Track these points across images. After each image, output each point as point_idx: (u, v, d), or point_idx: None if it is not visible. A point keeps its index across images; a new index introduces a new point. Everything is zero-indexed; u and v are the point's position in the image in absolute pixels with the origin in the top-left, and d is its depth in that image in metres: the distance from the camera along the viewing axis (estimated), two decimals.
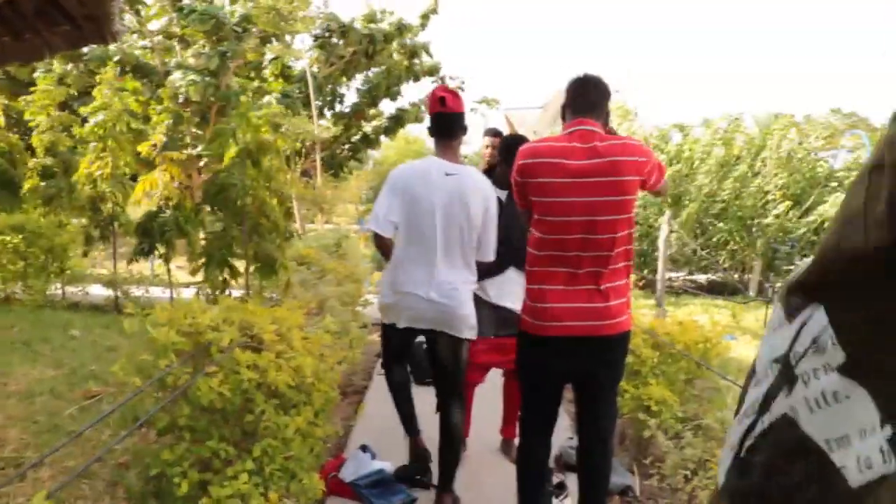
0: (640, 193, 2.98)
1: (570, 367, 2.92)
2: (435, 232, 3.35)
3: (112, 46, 9.22)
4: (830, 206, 12.38)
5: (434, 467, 3.89)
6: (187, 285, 7.10)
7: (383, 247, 3.51)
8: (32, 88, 9.11)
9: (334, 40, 12.99)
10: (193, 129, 9.18)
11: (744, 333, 9.48)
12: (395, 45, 13.47)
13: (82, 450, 3.95)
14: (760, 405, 0.94)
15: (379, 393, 4.41)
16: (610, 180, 2.70)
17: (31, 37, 2.87)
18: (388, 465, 3.93)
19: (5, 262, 8.26)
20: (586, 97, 2.87)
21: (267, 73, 12.58)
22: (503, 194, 4.03)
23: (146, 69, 9.63)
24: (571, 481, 3.68)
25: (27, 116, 9.16)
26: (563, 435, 4.36)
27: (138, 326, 3.06)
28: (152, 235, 7.79)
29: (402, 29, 13.38)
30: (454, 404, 3.60)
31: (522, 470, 3.15)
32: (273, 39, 11.23)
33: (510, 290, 4.00)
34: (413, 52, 13.96)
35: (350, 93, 14.39)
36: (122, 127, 7.89)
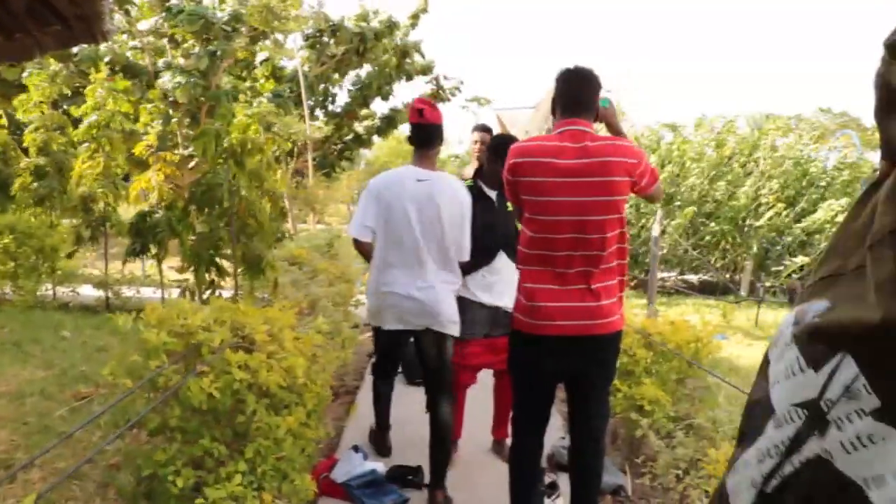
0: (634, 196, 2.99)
1: (563, 366, 2.92)
2: (410, 235, 3.55)
3: (102, 47, 9.18)
4: (824, 212, 12.39)
5: (426, 468, 3.93)
6: (179, 285, 7.07)
7: (361, 250, 3.76)
8: (23, 96, 9.07)
9: (325, 39, 12.97)
10: (184, 130, 9.16)
11: (735, 333, 9.52)
12: (386, 42, 13.45)
13: (73, 451, 3.94)
14: (788, 448, 0.94)
15: (371, 394, 4.41)
16: (600, 180, 2.70)
17: (22, 36, 2.86)
18: (380, 466, 3.93)
19: None
20: (577, 96, 2.87)
21: (258, 73, 12.56)
22: (493, 193, 4.07)
23: (136, 69, 9.59)
24: (563, 481, 3.69)
25: (20, 114, 9.11)
26: (555, 434, 4.36)
27: (129, 327, 3.05)
28: (144, 236, 7.76)
29: (392, 26, 13.36)
30: (443, 402, 3.74)
31: (515, 470, 3.15)
32: (263, 38, 11.19)
33: (501, 290, 4.03)
34: (405, 52, 13.95)
35: (342, 92, 14.39)
36: (116, 127, 7.87)
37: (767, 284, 12.18)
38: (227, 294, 6.03)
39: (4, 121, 9.94)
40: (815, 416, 0.90)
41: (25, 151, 9.22)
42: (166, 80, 8.71)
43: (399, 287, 3.60)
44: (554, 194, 2.74)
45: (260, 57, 12.57)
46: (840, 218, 12.19)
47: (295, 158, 13.24)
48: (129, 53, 9.90)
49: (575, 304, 2.80)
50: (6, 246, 8.15)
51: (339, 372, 5.37)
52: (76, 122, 8.29)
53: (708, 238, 13.54)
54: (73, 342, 6.46)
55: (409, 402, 4.96)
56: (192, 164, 8.76)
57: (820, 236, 12.53)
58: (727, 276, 14.05)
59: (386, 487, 3.79)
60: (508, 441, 3.47)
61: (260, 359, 3.00)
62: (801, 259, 11.77)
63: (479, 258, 4.00)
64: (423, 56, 14.36)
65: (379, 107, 13.86)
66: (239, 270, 5.70)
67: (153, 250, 7.96)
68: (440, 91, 14.63)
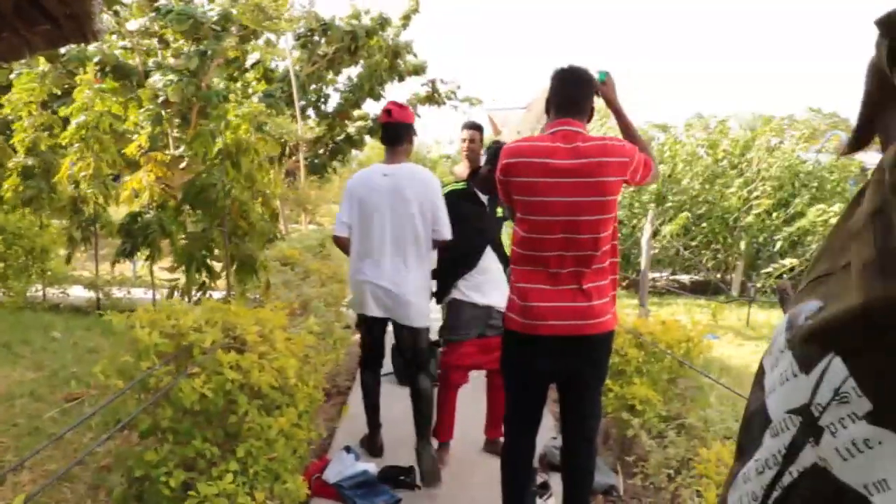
0: (626, 191, 2.99)
1: (556, 366, 2.92)
2: (380, 228, 3.91)
3: (91, 47, 9.13)
4: (813, 214, 12.42)
5: (418, 469, 3.98)
6: (169, 286, 7.05)
7: (339, 245, 4.16)
8: (11, 96, 9.02)
9: (316, 38, 12.93)
10: (175, 131, 9.12)
11: (726, 333, 9.54)
12: (378, 40, 13.40)
13: (63, 453, 3.92)
14: (785, 456, 0.90)
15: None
16: (592, 181, 2.70)
17: (10, 36, 2.84)
18: (372, 467, 3.93)
19: None
20: (570, 96, 2.87)
21: (250, 76, 12.51)
22: (485, 198, 4.10)
23: (126, 69, 9.54)
24: (554, 481, 3.69)
25: (9, 113, 9.06)
26: (547, 435, 4.36)
27: (120, 328, 3.04)
28: (135, 236, 7.73)
29: (384, 23, 13.31)
30: (421, 374, 4.10)
31: (507, 470, 3.16)
32: (254, 38, 11.15)
33: (491, 289, 4.05)
34: (396, 52, 13.91)
35: (334, 93, 14.35)
36: (105, 127, 7.83)
37: (758, 285, 12.20)
38: (218, 295, 6.03)
39: None
40: (808, 423, 0.87)
41: (14, 151, 9.17)
42: (157, 80, 8.67)
43: (372, 276, 3.95)
44: (546, 194, 2.74)
45: (252, 58, 12.52)
46: (827, 219, 12.25)
47: (287, 159, 13.20)
48: (117, 52, 9.85)
49: (567, 304, 2.80)
50: None
51: (331, 373, 5.36)
52: (66, 123, 8.24)
53: (699, 238, 13.57)
54: (63, 343, 6.43)
55: (400, 403, 4.95)
56: (183, 164, 8.73)
57: (811, 238, 12.56)
58: (718, 276, 14.08)
59: (378, 488, 3.78)
60: (501, 441, 3.47)
61: (252, 359, 2.99)
62: (789, 262, 11.81)
63: (467, 260, 4.04)
64: (415, 56, 14.34)
65: (371, 108, 13.91)
66: (231, 271, 5.69)
67: (144, 251, 7.93)
68: (435, 95, 14.60)
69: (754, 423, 1.01)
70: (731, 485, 1.04)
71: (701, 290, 13.23)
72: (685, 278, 14.68)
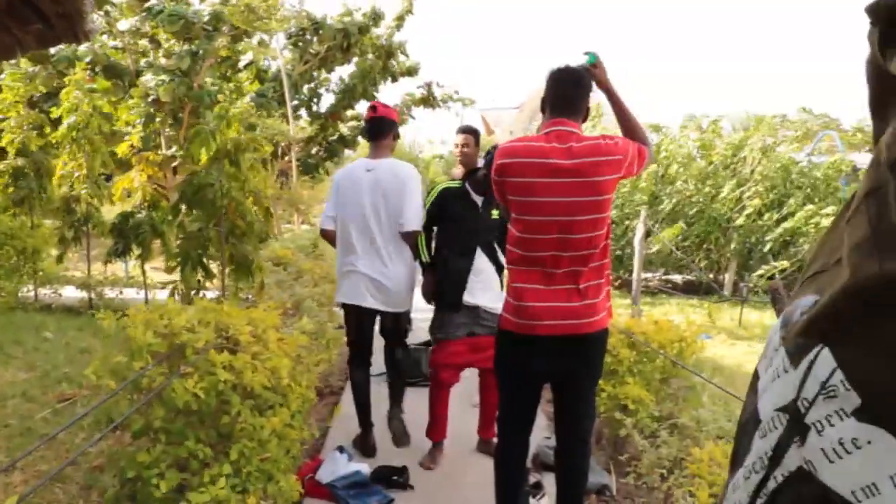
0: (618, 192, 2.99)
1: (551, 367, 2.92)
2: (362, 220, 4.09)
3: (82, 47, 9.10)
4: (804, 213, 12.46)
5: (412, 470, 4.01)
6: (163, 286, 7.03)
7: (326, 237, 4.39)
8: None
9: (308, 37, 12.92)
10: (168, 130, 9.10)
11: (718, 333, 9.57)
12: (370, 37, 13.37)
13: (56, 453, 3.91)
14: (771, 459, 0.83)
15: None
16: (587, 180, 2.70)
17: (2, 35, 2.83)
18: (365, 467, 3.93)
19: None
20: (566, 96, 2.87)
21: (242, 76, 12.50)
22: (479, 199, 4.10)
23: (117, 69, 9.52)
24: (547, 481, 3.70)
25: None
26: (539, 434, 4.37)
27: (113, 328, 3.04)
28: (127, 236, 7.72)
29: (376, 18, 13.27)
30: (396, 350, 4.44)
31: (501, 470, 3.16)
32: (246, 37, 11.13)
33: (481, 290, 4.05)
34: (389, 53, 13.90)
35: (327, 93, 14.33)
36: (95, 128, 7.81)
37: (751, 284, 12.23)
38: (211, 295, 6.02)
39: None
40: (795, 420, 0.80)
41: (3, 153, 9.13)
42: (148, 80, 8.65)
43: (358, 267, 4.13)
44: (541, 194, 2.74)
45: (245, 59, 12.50)
46: (818, 220, 12.29)
47: (279, 159, 13.19)
48: (107, 52, 9.82)
49: (562, 304, 2.80)
50: None
51: (324, 373, 5.36)
52: (56, 123, 8.21)
53: (691, 238, 13.59)
54: (55, 343, 6.41)
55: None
56: (175, 163, 8.71)
57: (803, 239, 12.59)
58: (711, 276, 14.11)
59: (371, 488, 3.78)
60: (495, 441, 3.47)
61: (244, 359, 2.99)
62: (780, 263, 11.85)
63: (457, 261, 4.05)
64: (407, 56, 14.33)
65: (364, 109, 13.94)
66: (227, 271, 5.68)
67: (136, 251, 7.91)
68: (431, 97, 14.59)
69: (746, 431, 0.94)
70: (723, 497, 0.98)
71: (693, 290, 13.26)
72: (678, 278, 14.71)
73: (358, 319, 4.29)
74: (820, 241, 0.94)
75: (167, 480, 2.69)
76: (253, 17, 9.37)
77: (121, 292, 8.68)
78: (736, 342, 9.09)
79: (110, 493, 2.87)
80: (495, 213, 4.08)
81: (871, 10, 0.84)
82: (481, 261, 4.08)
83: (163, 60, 9.14)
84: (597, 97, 3.15)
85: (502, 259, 3.96)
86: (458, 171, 4.69)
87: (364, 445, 4.36)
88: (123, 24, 9.54)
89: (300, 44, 12.93)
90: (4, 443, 4.07)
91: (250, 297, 5.93)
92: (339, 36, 12.74)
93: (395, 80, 14.40)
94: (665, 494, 3.44)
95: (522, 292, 2.85)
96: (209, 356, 2.91)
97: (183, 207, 5.87)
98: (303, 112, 14.36)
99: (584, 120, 2.93)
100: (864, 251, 0.73)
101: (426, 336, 4.85)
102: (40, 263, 8.64)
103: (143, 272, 8.30)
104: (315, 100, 14.33)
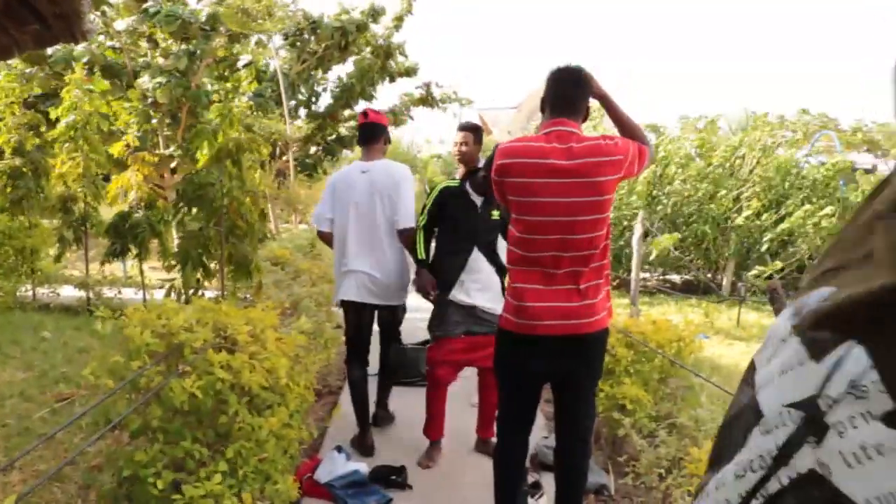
0: (616, 193, 2.98)
1: (551, 367, 2.91)
2: (358, 220, 4.25)
3: (79, 47, 9.10)
4: (802, 213, 12.46)
5: (410, 469, 4.02)
6: (161, 285, 7.02)
7: (323, 238, 4.54)
8: None
9: (305, 36, 12.90)
10: (165, 131, 9.10)
11: (716, 333, 9.57)
12: (368, 35, 13.34)
13: (54, 453, 3.91)
14: (776, 458, 0.77)
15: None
16: (588, 181, 2.70)
17: (0, 35, 2.83)
18: (364, 466, 3.93)
19: None
20: (566, 96, 2.86)
21: (241, 76, 12.49)
22: (479, 200, 4.10)
23: (115, 69, 9.52)
24: (546, 480, 3.70)
25: None
26: (538, 434, 4.37)
27: (111, 328, 3.03)
28: (124, 236, 7.71)
29: (375, 15, 13.23)
30: (390, 346, 4.68)
31: (500, 470, 3.15)
32: (243, 38, 11.13)
33: (477, 290, 4.05)
34: (388, 53, 13.89)
35: (325, 92, 14.31)
36: (93, 127, 7.80)
37: (748, 284, 12.23)
38: (210, 294, 6.01)
39: None
40: (812, 419, 0.74)
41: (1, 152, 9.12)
42: (146, 80, 8.65)
43: (354, 265, 4.27)
44: (541, 195, 2.73)
45: (244, 59, 12.50)
46: (816, 220, 12.29)
47: (277, 158, 13.18)
48: (105, 52, 9.82)
49: (562, 304, 2.79)
50: None
51: (322, 372, 5.36)
52: (53, 123, 8.20)
53: (689, 238, 13.59)
54: (53, 343, 6.41)
55: (391, 403, 4.95)
56: (173, 163, 8.71)
57: (801, 239, 12.60)
58: (709, 276, 14.11)
59: (369, 488, 3.78)
60: (494, 440, 3.47)
61: (242, 359, 2.98)
62: (772, 265, 11.86)
63: (454, 260, 4.05)
64: (406, 57, 14.32)
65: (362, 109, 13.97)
66: (226, 271, 5.67)
67: (134, 251, 7.90)
68: (429, 97, 14.58)
69: (737, 425, 0.88)
70: (699, 497, 0.90)
71: (691, 290, 13.25)
72: (676, 278, 14.71)
73: (356, 317, 4.40)
74: (834, 239, 0.88)
75: (163, 480, 2.68)
76: (247, 20, 9.37)
77: (119, 292, 8.67)
78: (734, 342, 9.09)
79: (105, 490, 2.87)
80: (496, 214, 4.07)
81: None
82: (479, 261, 4.07)
83: (160, 60, 9.14)
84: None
85: (503, 260, 3.96)
86: (461, 170, 4.67)
87: (362, 444, 4.37)
88: (120, 25, 9.54)
89: (298, 43, 12.91)
90: (3, 442, 4.07)
91: (248, 296, 5.92)
92: (336, 35, 12.71)
93: (392, 80, 14.39)
94: (663, 494, 3.44)
95: (523, 292, 2.85)
96: (207, 356, 2.91)
97: (182, 206, 5.86)
98: (301, 111, 14.35)
99: (584, 120, 2.93)
100: None
101: (424, 336, 4.85)
102: (38, 263, 8.64)
103: (141, 272, 8.30)
104: (313, 98, 14.32)
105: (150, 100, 8.62)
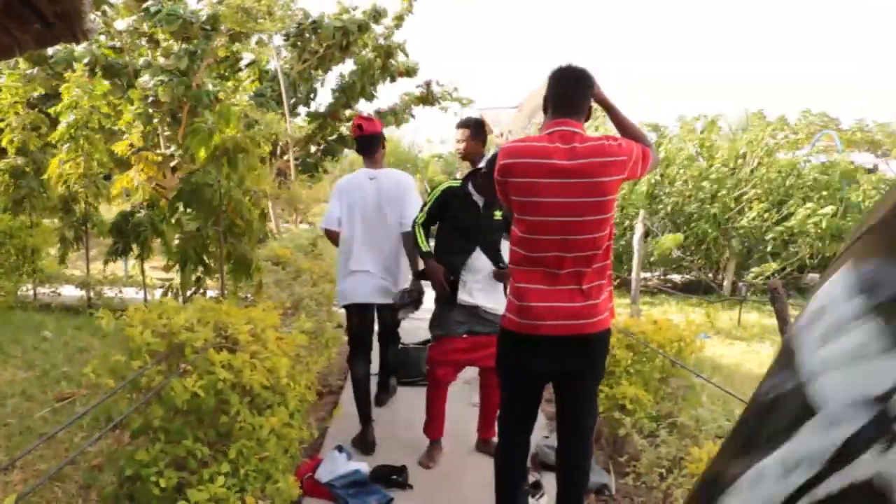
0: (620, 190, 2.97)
1: (553, 367, 2.91)
2: (365, 223, 4.43)
3: (80, 47, 9.10)
4: (803, 213, 12.46)
5: (411, 469, 4.01)
6: (162, 285, 7.02)
7: (330, 237, 4.67)
8: None
9: (306, 35, 12.88)
10: (166, 130, 9.10)
11: (717, 332, 9.57)
12: (369, 36, 13.32)
13: (54, 452, 3.91)
14: (832, 460, 0.63)
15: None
16: (591, 181, 2.70)
17: (0, 36, 2.83)
18: (364, 466, 3.93)
19: None
20: (568, 96, 2.86)
21: (243, 75, 12.47)
22: (480, 200, 4.08)
23: (116, 69, 9.51)
24: (546, 480, 3.70)
25: None
26: (538, 433, 4.37)
27: (112, 327, 3.04)
28: (126, 235, 7.71)
29: (377, 15, 13.21)
30: (389, 345, 5.14)
31: (502, 470, 3.15)
32: (244, 37, 11.11)
33: (478, 290, 4.04)
34: (388, 52, 13.86)
35: (326, 91, 14.32)
36: (94, 126, 7.80)
37: (747, 284, 12.23)
38: (210, 294, 6.01)
39: None
40: (882, 419, 0.60)
41: (3, 152, 9.12)
42: (147, 80, 8.65)
43: (360, 265, 4.43)
44: (544, 195, 2.73)
45: (246, 59, 12.49)
46: (817, 219, 12.28)
47: (277, 158, 13.17)
48: (105, 52, 9.81)
49: (565, 305, 2.79)
50: None
51: (323, 372, 5.36)
52: (55, 123, 8.20)
53: (690, 238, 13.58)
54: (54, 343, 6.42)
55: (393, 402, 4.95)
56: (174, 163, 8.70)
57: (802, 239, 12.60)
58: (710, 275, 14.11)
59: (370, 487, 3.78)
60: (495, 440, 3.47)
61: (243, 359, 2.98)
62: (768, 265, 11.86)
63: (454, 259, 4.04)
64: (407, 56, 14.29)
65: (364, 108, 13.85)
66: (226, 271, 5.67)
67: (135, 250, 7.91)
68: (430, 96, 14.55)
69: (778, 414, 0.73)
70: (727, 488, 0.73)
71: (692, 289, 13.25)
72: (677, 278, 14.71)
73: (360, 316, 4.54)
74: (869, 212, 0.71)
75: (166, 479, 2.68)
76: (247, 19, 9.36)
77: (120, 291, 8.68)
78: (735, 342, 9.09)
79: (107, 491, 2.87)
80: (498, 214, 4.05)
81: None
82: (481, 261, 4.06)
83: (161, 60, 9.13)
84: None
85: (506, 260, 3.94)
86: (464, 168, 4.68)
87: (363, 442, 4.38)
88: (121, 24, 9.53)
89: (299, 43, 12.90)
90: (4, 441, 4.07)
91: (249, 296, 5.92)
92: (338, 34, 12.69)
93: (393, 79, 14.36)
94: (664, 494, 3.43)
95: (525, 292, 2.84)
96: (208, 355, 2.91)
97: (180, 206, 5.85)
98: (302, 110, 14.32)
99: (587, 119, 2.92)
100: None
101: (425, 335, 4.85)
102: (39, 262, 8.65)
103: (143, 271, 8.30)
104: (312, 95, 14.29)
105: (150, 99, 8.61)
